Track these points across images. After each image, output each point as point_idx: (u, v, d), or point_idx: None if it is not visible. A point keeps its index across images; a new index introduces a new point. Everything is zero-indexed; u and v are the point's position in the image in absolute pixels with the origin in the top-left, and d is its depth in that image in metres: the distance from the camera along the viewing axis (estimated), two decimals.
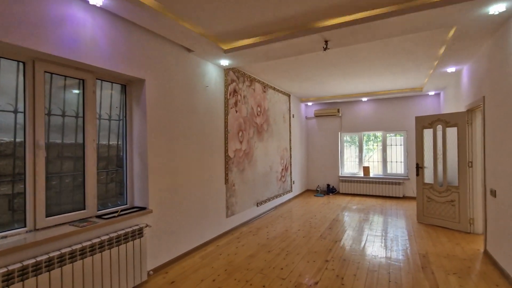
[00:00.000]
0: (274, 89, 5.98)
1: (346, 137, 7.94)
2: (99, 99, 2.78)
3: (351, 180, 7.44)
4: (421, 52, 3.87)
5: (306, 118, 8.18)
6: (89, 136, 2.56)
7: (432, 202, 4.61)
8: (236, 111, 4.52)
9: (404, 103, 6.95)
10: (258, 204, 5.17)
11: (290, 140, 6.83)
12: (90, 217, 2.54)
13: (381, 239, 3.97)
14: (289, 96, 6.82)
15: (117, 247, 2.45)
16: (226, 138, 4.21)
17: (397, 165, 7.27)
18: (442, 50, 3.81)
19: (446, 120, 4.42)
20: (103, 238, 2.35)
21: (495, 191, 3.06)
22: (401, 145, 7.20)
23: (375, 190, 7.14)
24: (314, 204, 6.42)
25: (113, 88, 2.98)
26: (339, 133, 7.78)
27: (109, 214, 2.65)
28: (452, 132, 4.38)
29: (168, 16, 2.71)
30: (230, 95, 4.34)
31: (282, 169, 6.34)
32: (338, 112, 7.56)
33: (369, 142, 7.81)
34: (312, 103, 7.84)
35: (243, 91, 4.72)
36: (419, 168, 4.79)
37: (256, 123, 5.18)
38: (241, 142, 4.63)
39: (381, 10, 2.61)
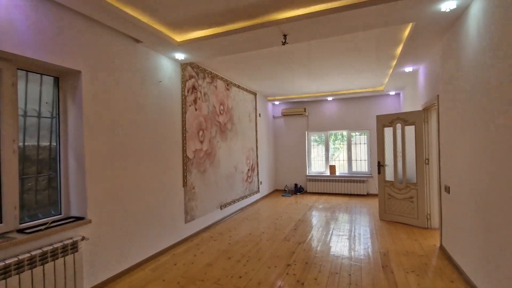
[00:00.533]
0: (238, 87, 5.78)
1: (314, 137, 7.97)
2: (23, 93, 2.38)
3: (318, 179, 7.47)
4: (381, 52, 3.90)
5: (274, 117, 8.09)
6: (7, 136, 2.16)
7: (392, 199, 4.70)
8: (196, 109, 4.24)
9: (367, 103, 7.12)
10: (222, 206, 4.93)
11: (256, 140, 6.67)
12: (8, 232, 2.14)
13: (345, 238, 3.93)
14: (255, 94, 6.66)
15: (41, 266, 2.09)
16: (184, 138, 3.92)
17: (361, 163, 7.43)
18: (399, 49, 3.87)
19: (404, 119, 4.52)
20: (22, 257, 1.98)
21: (449, 187, 3.12)
22: (365, 143, 7.36)
23: (341, 189, 7.23)
24: (281, 204, 6.32)
25: (44, 81, 2.58)
26: (306, 132, 7.79)
27: (36, 227, 2.26)
28: (410, 131, 4.49)
29: (108, 0, 2.39)
30: (188, 92, 4.06)
31: (249, 170, 6.16)
32: (305, 111, 7.56)
33: (336, 141, 7.91)
34: (279, 102, 7.76)
35: (203, 88, 4.46)
36: (381, 166, 4.86)
37: (219, 122, 4.95)
38: (201, 142, 4.37)
39: (340, 3, 2.52)
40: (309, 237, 4.02)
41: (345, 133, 7.56)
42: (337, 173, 7.51)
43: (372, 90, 6.59)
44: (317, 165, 7.98)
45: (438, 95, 3.45)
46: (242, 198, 5.77)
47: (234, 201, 5.39)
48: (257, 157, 6.66)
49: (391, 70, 4.83)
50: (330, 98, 7.27)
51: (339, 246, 3.65)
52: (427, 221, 4.28)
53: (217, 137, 4.84)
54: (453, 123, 2.96)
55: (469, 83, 2.50)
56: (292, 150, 7.90)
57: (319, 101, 7.58)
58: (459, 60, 2.72)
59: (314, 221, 4.86)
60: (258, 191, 6.65)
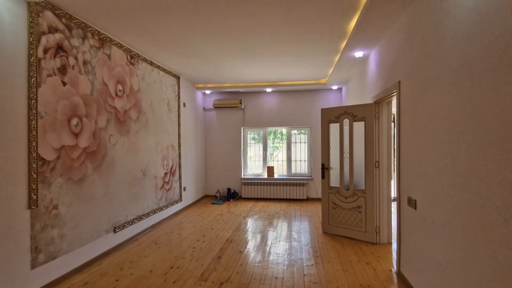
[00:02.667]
0: (151, 63, 4.34)
1: (252, 134, 6.97)
2: None
3: (254, 182, 6.49)
4: (332, 25, 3.02)
5: (204, 109, 6.80)
6: None
7: (338, 209, 3.94)
8: (65, 83, 2.71)
9: (308, 97, 6.42)
10: (117, 228, 3.47)
11: (179, 135, 5.31)
12: None
13: (282, 266, 2.94)
14: (177, 78, 5.28)
15: None
16: (33, 128, 2.38)
17: (301, 164, 6.73)
18: (351, 27, 3.05)
19: (353, 113, 3.78)
20: None
21: (415, 201, 2.37)
22: (305, 143, 6.68)
23: (280, 193, 6.39)
24: (209, 215, 5.11)
25: None
26: (242, 128, 6.73)
27: None
28: (359, 128, 3.78)
29: None
30: (47, 53, 2.52)
31: (166, 174, 4.78)
32: (241, 103, 6.49)
33: (275, 140, 7.06)
34: (211, 91, 6.52)
35: (83, 53, 2.94)
36: (325, 169, 4.07)
37: (115, 107, 3.46)
38: (76, 136, 2.85)
39: None
40: (236, 268, 2.92)
41: (284, 130, 6.75)
42: (276, 176, 6.66)
43: (315, 83, 5.89)
44: (254, 167, 7.00)
45: (399, 82, 2.71)
46: (155, 211, 4.37)
47: (140, 218, 3.95)
48: (179, 157, 5.30)
49: (339, 55, 4.08)
50: (269, 90, 6.34)
51: (277, 284, 2.64)
52: (376, 235, 3.62)
53: (109, 129, 3.35)
54: (422, 120, 2.19)
55: (452, 67, 1.71)
56: (225, 148, 6.74)
57: (257, 93, 6.60)
58: (435, 36, 1.93)
59: (246, 239, 3.80)
60: (180, 199, 5.31)
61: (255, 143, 6.99)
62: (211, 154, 6.78)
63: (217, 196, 6.48)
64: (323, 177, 4.09)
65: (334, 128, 4.03)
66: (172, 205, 4.97)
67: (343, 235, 3.90)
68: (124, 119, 3.64)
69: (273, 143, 7.02)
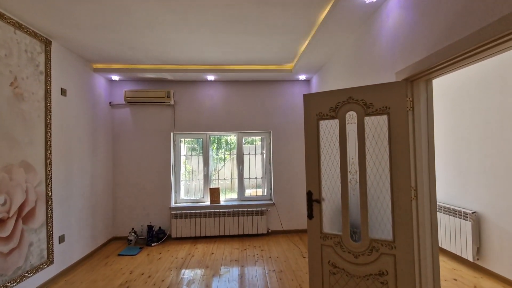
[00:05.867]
0: None
1: (190, 143, 4.87)
2: None
3: (191, 213, 4.38)
4: None
5: (112, 105, 4.46)
6: None
7: (341, 276, 2.17)
8: None
9: (266, 91, 4.67)
10: None
11: (48, 146, 2.94)
12: None
13: None
14: (45, 43, 2.94)
15: None
16: None
17: (258, 183, 4.90)
18: None
19: (365, 101, 2.10)
20: None
21: None
22: (263, 153, 4.88)
23: (229, 227, 4.41)
24: (108, 284, 2.83)
25: None
26: (172, 134, 4.59)
27: None
28: (377, 127, 2.10)
29: None
30: None
31: (7, 219, 2.38)
32: (169, 97, 4.37)
33: (220, 150, 5.09)
34: (120, 76, 4.25)
35: None
36: (314, 201, 2.27)
37: None
38: None
39: None
40: None
41: (234, 137, 4.85)
42: (223, 201, 4.67)
43: (277, 69, 4.17)
44: (191, 189, 4.89)
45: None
46: None
47: None
48: (47, 183, 2.91)
49: (329, 7, 2.41)
50: (211, 77, 4.38)
51: None
52: None
53: None
54: None
55: None
56: (145, 164, 4.49)
57: (193, 83, 4.57)
58: None
59: None
60: (49, 261, 2.89)
61: (193, 155, 4.90)
62: (122, 173, 4.44)
63: (130, 241, 4.15)
64: (310, 215, 2.28)
65: (327, 128, 2.29)
66: (25, 277, 2.56)
67: None
68: None
69: (217, 155, 5.03)
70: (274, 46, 3.37)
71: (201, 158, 4.75)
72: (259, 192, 4.86)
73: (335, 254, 2.19)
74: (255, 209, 4.47)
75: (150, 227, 4.22)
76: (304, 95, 2.33)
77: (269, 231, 4.52)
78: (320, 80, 4.12)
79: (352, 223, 2.15)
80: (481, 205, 2.99)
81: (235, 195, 4.80)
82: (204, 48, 3.41)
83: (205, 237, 4.42)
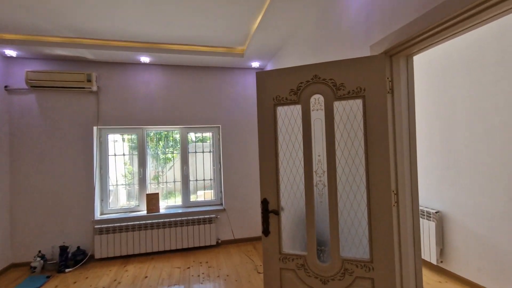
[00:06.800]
0: None
1: (116, 138, 3.98)
2: None
3: (121, 226, 3.54)
4: None
5: (8, 89, 3.37)
6: None
7: None
8: None
9: (215, 79, 4.04)
10: None
11: None
12: None
13: None
14: None
15: None
16: None
17: (206, 186, 4.25)
18: None
19: (334, 81, 1.62)
20: None
21: None
22: (211, 151, 4.24)
23: (171, 240, 3.68)
24: None
25: None
26: (96, 129, 3.68)
27: None
28: (350, 114, 1.64)
29: None
30: None
31: None
32: (90, 81, 3.45)
33: (159, 147, 4.30)
34: (18, 51, 3.21)
35: None
36: (270, 213, 1.74)
37: None
38: None
39: None
40: None
41: (177, 133, 4.11)
42: (163, 209, 3.91)
43: (226, 52, 3.57)
44: (122, 196, 4.03)
45: None
46: None
47: None
48: None
49: None
50: (145, 59, 3.59)
51: None
52: None
53: None
54: None
55: None
56: (59, 166, 3.50)
57: (123, 65, 3.71)
58: None
59: None
60: None
61: (126, 153, 4.02)
62: (26, 180, 3.39)
63: (34, 268, 3.16)
64: (266, 231, 1.74)
65: (286, 117, 1.76)
66: None
67: None
68: None
69: (163, 154, 4.24)
70: (222, 21, 2.76)
71: (136, 158, 3.92)
72: (208, 197, 4.21)
73: (298, 280, 1.68)
74: (203, 216, 3.81)
75: (63, 248, 3.26)
76: (257, 73, 1.78)
77: (219, 241, 3.90)
78: (276, 67, 3.63)
79: (319, 240, 1.67)
80: (444, 204, 2.81)
81: (179, 201, 4.08)
82: (136, 19, 2.65)
83: (140, 255, 3.62)
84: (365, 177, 1.55)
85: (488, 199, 2.40)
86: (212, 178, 4.21)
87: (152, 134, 4.14)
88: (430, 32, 1.30)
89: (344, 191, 1.61)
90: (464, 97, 2.58)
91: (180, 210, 3.88)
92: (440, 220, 2.83)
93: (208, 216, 3.83)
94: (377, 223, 1.52)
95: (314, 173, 1.67)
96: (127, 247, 3.53)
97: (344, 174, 1.61)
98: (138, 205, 3.88)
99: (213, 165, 4.19)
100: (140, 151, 3.90)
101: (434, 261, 2.81)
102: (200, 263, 3.34)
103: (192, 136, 4.18)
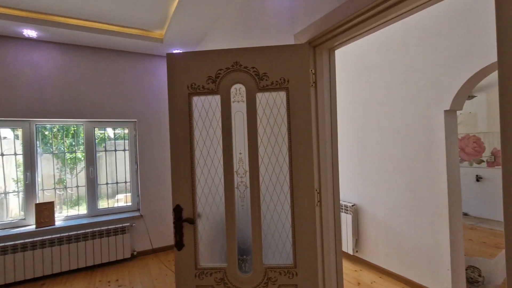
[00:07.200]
0: None
1: (5, 134, 3.06)
2: None
3: None
4: None
5: None
6: None
7: None
8: None
9: (130, 67, 3.49)
10: None
11: None
12: None
13: None
14: None
15: None
16: None
17: (120, 189, 3.66)
18: None
19: (256, 70, 1.45)
20: None
21: None
22: (126, 150, 3.67)
23: (72, 258, 3.02)
24: None
25: None
26: None
27: None
28: (273, 107, 1.49)
29: None
30: None
31: None
32: None
33: (54, 144, 3.51)
34: None
35: None
36: (184, 221, 1.46)
37: None
38: None
39: None
40: None
41: (80, 128, 3.41)
42: (60, 222, 3.19)
43: (142, 35, 3.10)
44: (14, 206, 3.13)
45: None
46: None
47: None
48: None
49: None
50: (32, 33, 2.81)
51: None
52: None
53: None
54: None
55: None
56: None
57: (3, 39, 2.85)
58: None
59: None
60: None
61: (20, 153, 3.13)
62: None
63: None
64: (179, 244, 1.46)
65: (204, 109, 1.51)
66: None
67: None
68: None
69: (72, 153, 3.45)
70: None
71: (24, 159, 3.07)
72: (122, 202, 3.64)
73: None
74: (114, 226, 3.26)
75: None
76: (168, 54, 1.48)
77: (135, 253, 3.40)
78: None
79: (241, 248, 1.48)
80: (360, 197, 3.00)
81: (84, 209, 3.40)
82: None
83: (26, 282, 2.86)
84: (289, 177, 1.43)
85: (393, 191, 2.64)
86: (128, 181, 3.65)
87: (56, 129, 3.33)
88: (350, 24, 1.24)
89: (268, 192, 1.47)
90: (376, 97, 2.79)
91: (85, 221, 3.23)
92: (355, 212, 3.02)
93: (121, 225, 3.29)
94: (300, 225, 1.42)
95: (235, 173, 1.47)
96: (5, 275, 2.73)
97: (268, 173, 1.47)
98: (24, 219, 3.07)
99: (130, 166, 3.64)
100: (27, 151, 3.08)
101: (350, 252, 2.98)
102: (109, 282, 2.81)
103: (118, 134, 3.53)
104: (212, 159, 1.49)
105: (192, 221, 1.45)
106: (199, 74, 1.46)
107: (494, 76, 3.94)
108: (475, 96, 4.73)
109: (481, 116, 4.77)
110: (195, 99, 1.48)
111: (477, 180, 4.75)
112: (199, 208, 1.49)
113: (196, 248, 1.46)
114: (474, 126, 4.83)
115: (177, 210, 1.46)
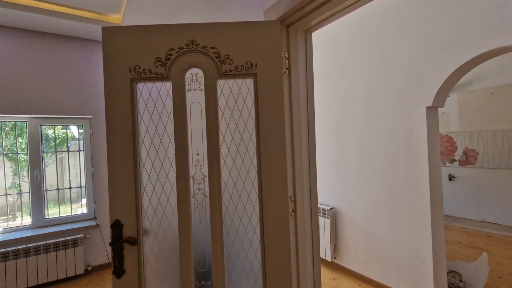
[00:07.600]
0: None
1: None
2: None
3: None
4: None
5: None
6: None
7: None
8: None
9: (85, 56, 3.06)
10: None
11: None
12: None
13: None
14: None
15: None
16: None
17: (74, 195, 3.23)
18: None
19: (218, 52, 1.17)
20: None
21: None
22: (81, 151, 3.24)
23: (10, 279, 2.56)
24: None
25: None
26: None
27: None
28: (238, 98, 1.22)
29: None
30: None
31: None
32: None
33: (20, 145, 3.01)
34: None
35: None
36: (126, 242, 1.15)
37: None
38: None
39: None
40: None
41: (24, 125, 2.93)
42: None
43: (96, 18, 2.71)
44: None
45: None
46: None
47: None
48: None
49: None
50: None
51: None
52: None
53: None
54: None
55: None
56: None
57: None
58: None
59: None
60: None
61: None
62: None
63: None
64: (118, 270, 1.15)
65: (151, 99, 1.21)
66: None
67: None
68: None
69: (10, 151, 2.95)
70: None
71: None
72: (77, 210, 3.20)
73: None
74: (64, 238, 2.83)
75: None
76: (104, 28, 1.16)
77: (89, 268, 2.98)
78: None
79: (199, 272, 1.20)
80: (337, 200, 2.82)
81: (27, 220, 2.93)
82: None
83: None
84: (257, 183, 1.17)
85: (371, 194, 2.48)
86: (83, 185, 3.22)
87: (7, 127, 2.83)
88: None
89: (232, 202, 1.20)
90: (354, 94, 2.61)
91: (29, 233, 2.77)
92: (334, 216, 2.83)
93: (73, 236, 2.87)
94: (271, 241, 1.16)
95: (191, 179, 1.19)
96: None
97: (232, 179, 1.19)
98: None
99: (85, 169, 3.21)
100: None
101: (328, 258, 2.79)
102: None
103: (81, 134, 3.07)
104: (162, 162, 1.19)
105: (134, 242, 1.14)
106: (145, 54, 1.16)
107: (467, 75, 3.93)
108: (448, 96, 4.79)
109: (453, 115, 4.82)
110: (140, 86, 1.18)
111: (450, 179, 4.79)
112: (145, 224, 1.18)
113: (141, 275, 1.16)
114: (446, 125, 4.88)
115: (116, 226, 1.14)
